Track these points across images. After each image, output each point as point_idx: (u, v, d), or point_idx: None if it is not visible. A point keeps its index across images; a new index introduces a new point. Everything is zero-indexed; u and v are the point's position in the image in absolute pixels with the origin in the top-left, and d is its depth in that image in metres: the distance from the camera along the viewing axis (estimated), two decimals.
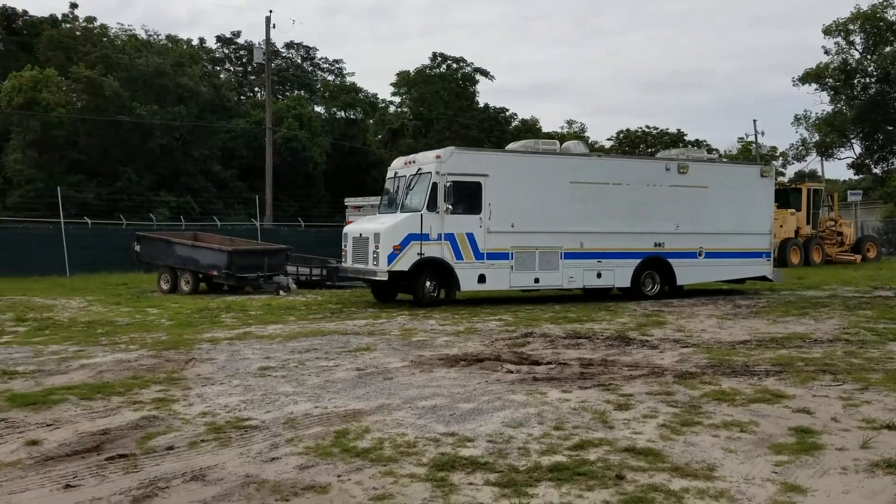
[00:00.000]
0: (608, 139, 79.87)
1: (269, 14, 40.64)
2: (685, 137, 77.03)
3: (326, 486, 5.26)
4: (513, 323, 14.30)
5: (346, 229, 19.22)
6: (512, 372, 9.33)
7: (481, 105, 61.90)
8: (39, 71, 40.54)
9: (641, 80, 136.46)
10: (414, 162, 18.17)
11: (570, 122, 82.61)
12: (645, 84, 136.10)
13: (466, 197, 17.18)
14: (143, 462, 5.93)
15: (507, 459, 5.82)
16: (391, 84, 63.27)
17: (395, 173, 18.73)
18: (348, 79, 63.66)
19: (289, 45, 64.10)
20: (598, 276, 18.50)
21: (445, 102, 58.70)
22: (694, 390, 8.13)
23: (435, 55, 60.92)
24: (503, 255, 17.45)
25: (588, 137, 74.82)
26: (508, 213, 17.49)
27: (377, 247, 16.87)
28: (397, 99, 63.89)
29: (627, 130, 79.51)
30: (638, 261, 18.89)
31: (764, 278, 20.85)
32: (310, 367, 9.83)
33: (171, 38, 54.08)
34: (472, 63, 61.00)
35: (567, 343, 11.70)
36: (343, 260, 18.98)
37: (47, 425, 7.05)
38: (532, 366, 9.70)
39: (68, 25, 49.18)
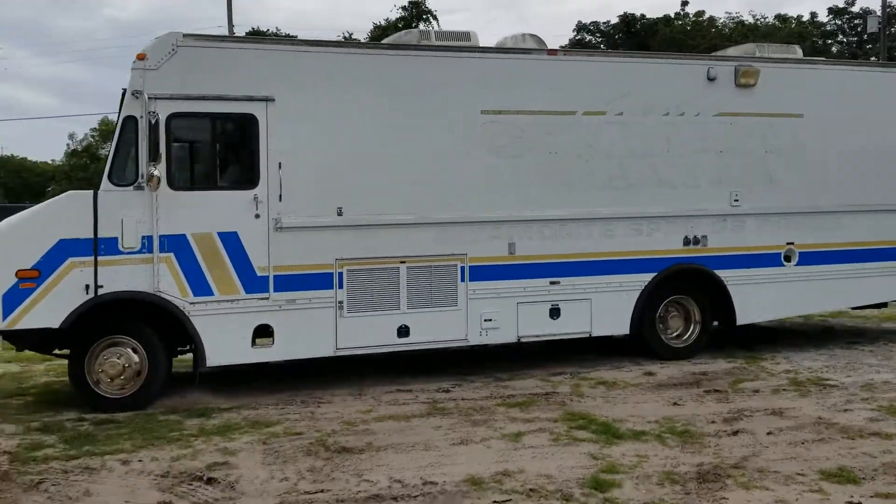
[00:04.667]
0: None
1: None
2: None
3: (892, 435, 5.89)
4: None
5: None
6: None
7: None
8: None
9: None
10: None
11: None
12: None
13: (221, 150, 8.01)
14: (733, 397, 7.39)
15: None
16: None
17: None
18: None
19: None
20: (554, 313, 8.72)
21: None
22: None
23: None
24: (319, 280, 7.95)
25: None
26: (328, 183, 7.98)
27: None
28: None
29: None
30: (647, 277, 9.02)
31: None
32: None
33: (780, 18, 53.99)
34: None
35: None
36: None
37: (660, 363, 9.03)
38: None
39: (680, 23, 53.16)
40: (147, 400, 7.39)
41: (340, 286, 7.95)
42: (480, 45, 8.64)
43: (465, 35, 8.60)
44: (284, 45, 8.13)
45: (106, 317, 7.37)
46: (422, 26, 39.44)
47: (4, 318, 7.01)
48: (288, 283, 7.79)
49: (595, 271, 8.80)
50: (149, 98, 7.30)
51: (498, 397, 7.56)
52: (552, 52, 8.83)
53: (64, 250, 7.14)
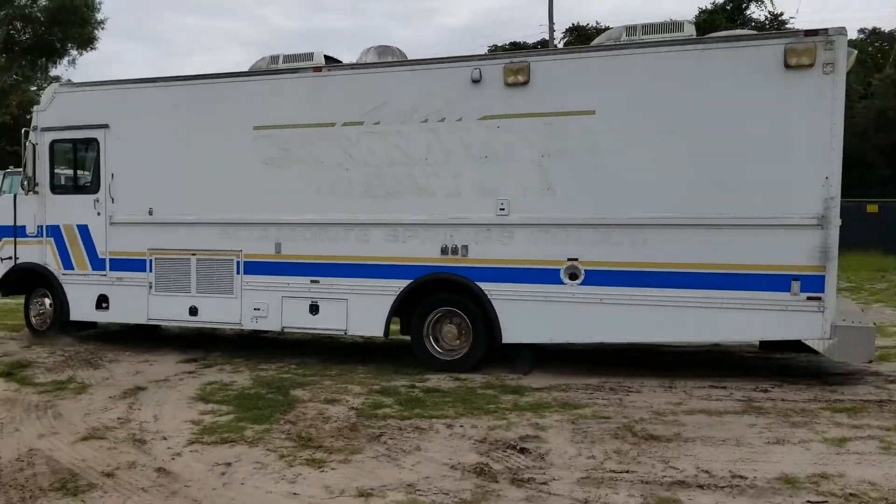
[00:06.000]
0: None
1: None
2: None
3: None
4: None
5: None
6: None
7: None
8: None
9: None
10: None
11: None
12: None
13: (80, 166, 11.23)
14: None
15: None
16: None
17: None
18: None
19: None
20: (313, 309, 9.56)
21: None
22: None
23: None
24: (137, 264, 10.58)
25: None
26: (144, 189, 10.46)
27: None
28: None
29: None
30: (402, 284, 9.16)
31: (800, 345, 8.04)
32: None
33: None
34: None
35: None
36: None
37: None
38: None
39: None
40: (54, 335, 11.00)
41: (150, 270, 10.42)
42: (324, 62, 9.60)
43: (309, 56, 9.75)
44: (115, 84, 10.60)
45: (26, 280, 11.21)
46: (752, 7, 37.04)
47: None
48: (118, 264, 10.61)
49: (351, 274, 9.36)
50: (40, 130, 10.87)
51: (823, 401, 7.19)
52: (317, 69, 9.53)
53: (2, 232, 11.25)
